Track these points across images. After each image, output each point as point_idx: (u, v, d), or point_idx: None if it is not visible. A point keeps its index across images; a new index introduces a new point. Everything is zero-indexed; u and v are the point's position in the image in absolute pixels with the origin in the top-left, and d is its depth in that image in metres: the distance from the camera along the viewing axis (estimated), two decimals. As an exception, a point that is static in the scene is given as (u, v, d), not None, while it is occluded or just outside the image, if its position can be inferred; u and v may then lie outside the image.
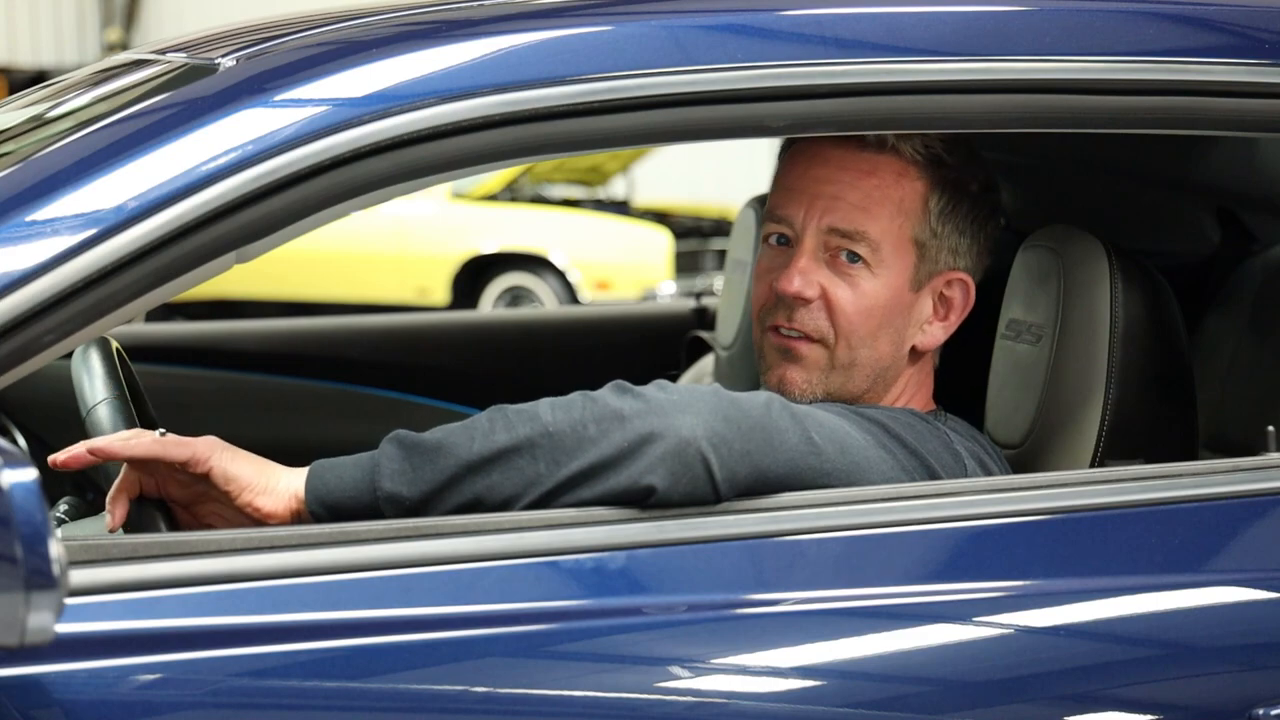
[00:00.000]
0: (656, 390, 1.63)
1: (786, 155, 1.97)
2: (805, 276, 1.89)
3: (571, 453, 1.59)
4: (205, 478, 1.62)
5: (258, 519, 1.62)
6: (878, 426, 1.77)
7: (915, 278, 1.91)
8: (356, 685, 1.49)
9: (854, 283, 1.89)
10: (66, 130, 1.63)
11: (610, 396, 1.62)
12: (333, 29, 1.71)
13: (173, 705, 1.46)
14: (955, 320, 1.95)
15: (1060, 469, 1.91)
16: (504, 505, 1.59)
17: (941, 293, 1.94)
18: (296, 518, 1.62)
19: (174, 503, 1.66)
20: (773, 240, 1.95)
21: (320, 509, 1.61)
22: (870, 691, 1.59)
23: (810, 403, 1.88)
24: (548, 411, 1.61)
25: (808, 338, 1.90)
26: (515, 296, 10.55)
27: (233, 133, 1.53)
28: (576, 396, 1.63)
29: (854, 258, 1.89)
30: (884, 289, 1.89)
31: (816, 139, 1.91)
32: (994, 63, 1.71)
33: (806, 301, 1.89)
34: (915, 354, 1.95)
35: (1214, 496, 1.70)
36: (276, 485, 1.62)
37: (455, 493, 1.59)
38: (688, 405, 1.61)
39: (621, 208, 11.61)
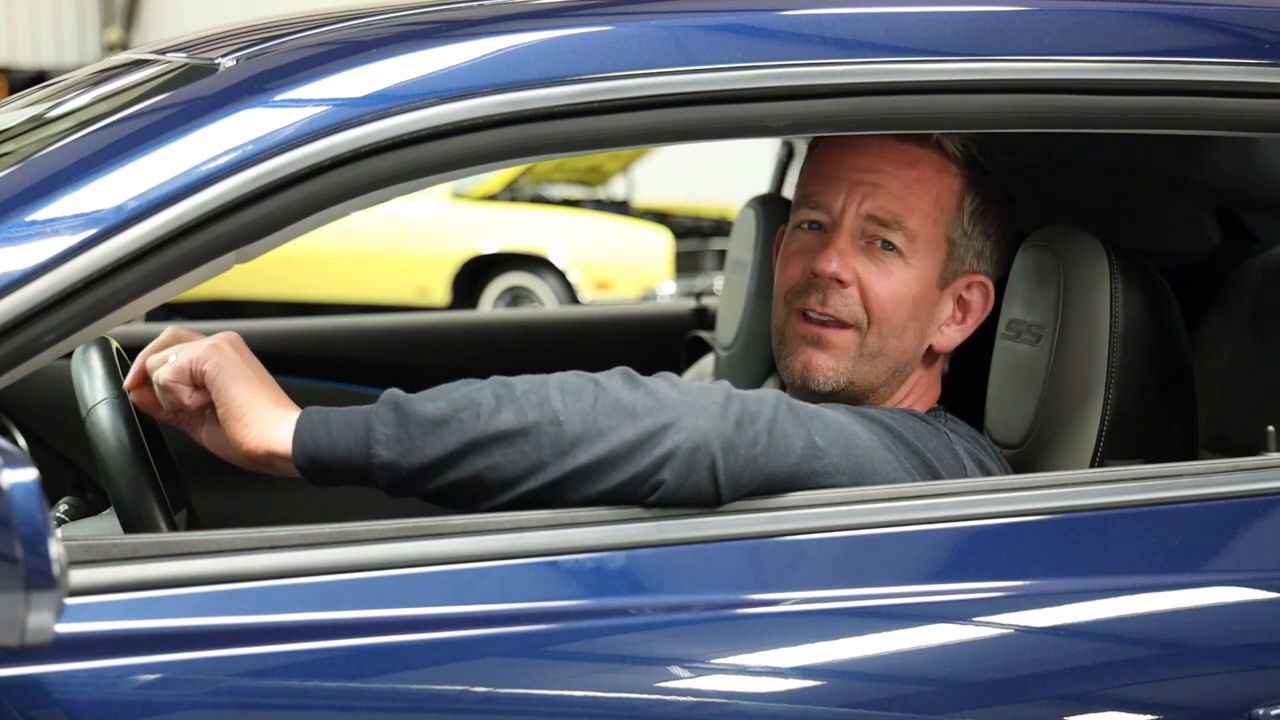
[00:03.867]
0: (668, 386, 1.63)
1: (821, 144, 1.98)
2: (843, 259, 1.90)
3: (579, 444, 1.58)
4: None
5: (232, 440, 1.61)
6: (880, 426, 1.77)
7: (942, 275, 1.93)
8: (356, 685, 1.49)
9: (888, 271, 1.90)
10: (66, 130, 1.63)
11: (621, 388, 1.61)
12: (333, 29, 1.71)
13: (173, 705, 1.46)
14: (972, 325, 1.96)
15: (1060, 469, 1.91)
16: (503, 487, 1.58)
17: (961, 295, 1.95)
18: (268, 460, 1.60)
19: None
20: (805, 226, 1.96)
21: (308, 465, 1.59)
22: (870, 691, 1.59)
23: (833, 389, 1.90)
24: (557, 396, 1.59)
25: (840, 323, 1.90)
26: (515, 296, 10.54)
27: (233, 133, 1.53)
28: (586, 383, 1.61)
29: (889, 246, 1.90)
30: (915, 280, 1.91)
31: None
32: (994, 63, 1.71)
33: (843, 284, 1.89)
34: (930, 355, 1.96)
35: (1214, 496, 1.70)
36: (258, 421, 1.60)
37: (456, 469, 1.57)
38: (699, 407, 1.61)
39: (621, 208, 11.60)
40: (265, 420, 1.60)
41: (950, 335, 1.96)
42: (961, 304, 1.96)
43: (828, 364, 1.91)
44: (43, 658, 1.41)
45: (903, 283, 1.90)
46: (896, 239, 1.90)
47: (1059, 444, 1.93)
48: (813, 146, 2.00)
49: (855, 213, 1.90)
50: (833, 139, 1.96)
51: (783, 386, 2.00)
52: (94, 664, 1.44)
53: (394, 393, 1.60)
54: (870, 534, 1.63)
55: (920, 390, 1.97)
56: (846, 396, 1.91)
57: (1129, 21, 1.76)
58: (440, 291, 10.61)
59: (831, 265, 1.89)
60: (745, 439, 1.60)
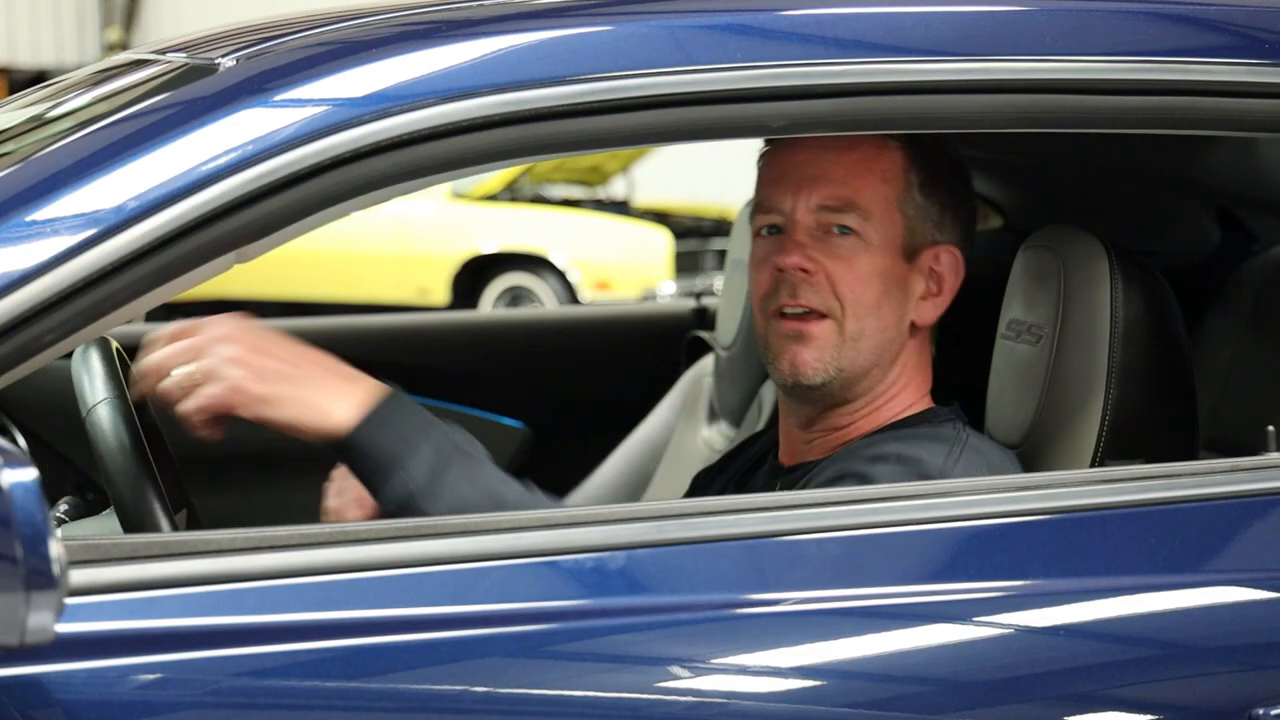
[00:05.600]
0: None
1: (766, 154, 2.01)
2: (804, 250, 1.91)
3: None
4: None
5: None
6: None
7: (905, 248, 1.94)
8: (356, 685, 1.49)
9: (850, 254, 1.92)
10: (66, 130, 1.63)
11: None
12: (333, 29, 1.71)
13: (173, 705, 1.46)
14: (948, 296, 1.97)
15: (1060, 469, 1.91)
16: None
17: (931, 268, 1.96)
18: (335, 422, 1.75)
19: None
20: (764, 232, 1.97)
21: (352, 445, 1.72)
22: (870, 691, 1.59)
23: (824, 381, 1.92)
24: None
25: (816, 313, 1.91)
26: (515, 296, 10.54)
27: (233, 133, 1.53)
28: None
29: (845, 230, 1.91)
30: (879, 256, 1.92)
31: None
32: (994, 63, 1.71)
33: (808, 274, 1.91)
34: (914, 330, 1.97)
35: (1214, 496, 1.70)
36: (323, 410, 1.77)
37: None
38: None
39: (621, 208, 11.61)
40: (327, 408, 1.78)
41: (928, 310, 1.97)
42: (934, 277, 1.96)
43: (812, 356, 1.92)
44: (43, 658, 1.41)
45: (866, 262, 1.92)
46: (851, 221, 1.91)
47: (1059, 444, 1.93)
48: (759, 160, 2.02)
49: (806, 207, 1.92)
50: (773, 147, 1.97)
51: (781, 387, 2.00)
52: (94, 664, 1.44)
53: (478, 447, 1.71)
54: (870, 534, 1.63)
55: (911, 371, 1.97)
56: (838, 385, 1.92)
57: (1129, 21, 1.76)
58: (440, 291, 10.61)
59: (792, 257, 1.91)
60: None
